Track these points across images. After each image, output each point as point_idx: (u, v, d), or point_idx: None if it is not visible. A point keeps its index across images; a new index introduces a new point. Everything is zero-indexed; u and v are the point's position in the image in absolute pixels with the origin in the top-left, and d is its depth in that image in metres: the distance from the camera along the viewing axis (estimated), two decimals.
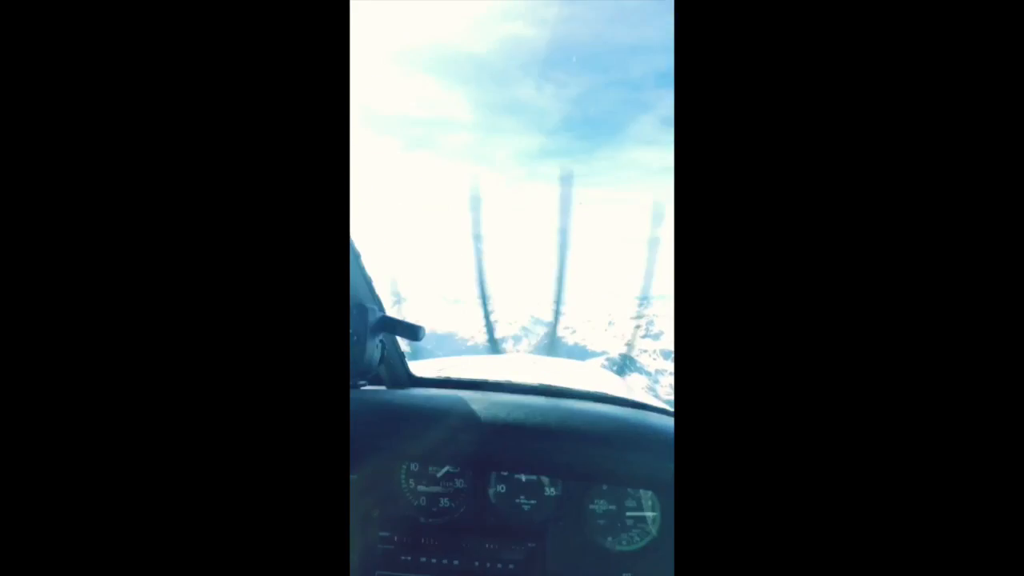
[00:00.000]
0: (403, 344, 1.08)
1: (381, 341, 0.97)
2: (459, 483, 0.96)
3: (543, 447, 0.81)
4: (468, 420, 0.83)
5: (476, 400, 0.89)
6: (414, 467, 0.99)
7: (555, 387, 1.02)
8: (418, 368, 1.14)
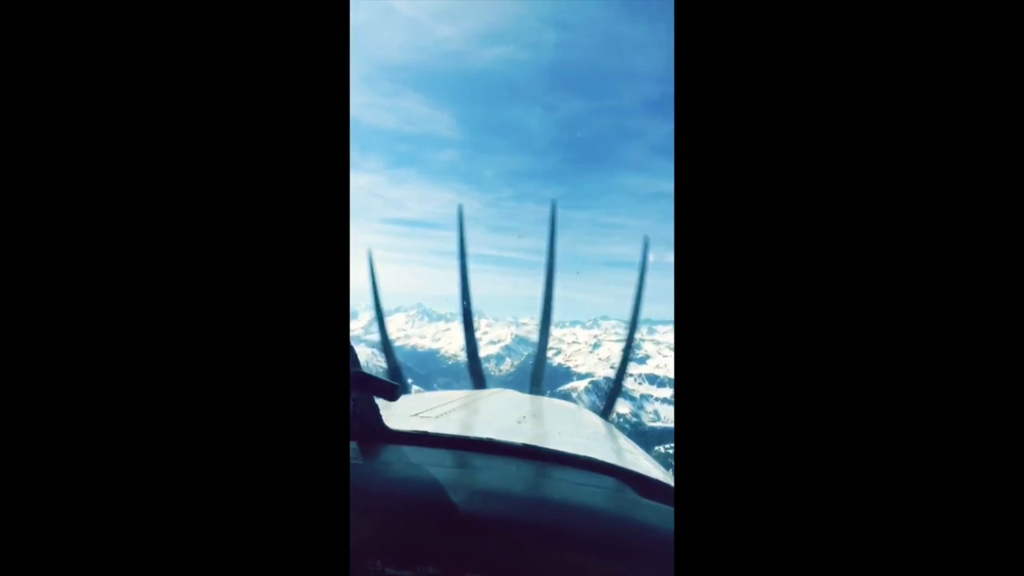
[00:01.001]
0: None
1: (354, 399, 0.93)
2: (432, 569, 0.80)
3: (531, 555, 0.73)
4: (447, 513, 0.77)
5: (456, 487, 0.82)
6: None
7: (544, 450, 0.94)
8: (396, 410, 1.08)
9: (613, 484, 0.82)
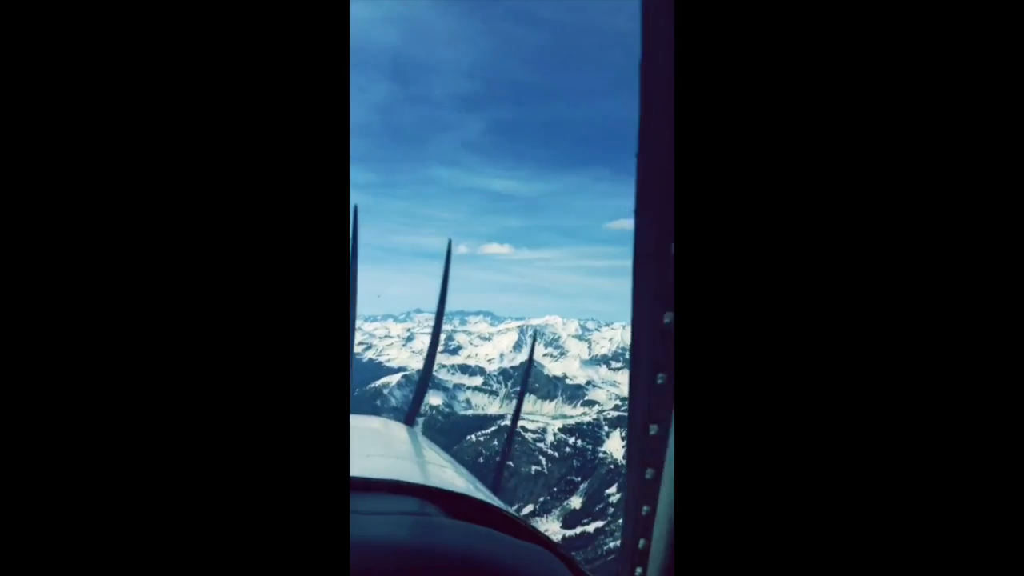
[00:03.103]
0: None
1: None
2: None
3: None
4: None
5: None
6: None
7: (409, 484, 0.86)
8: None
9: (418, 507, 0.78)
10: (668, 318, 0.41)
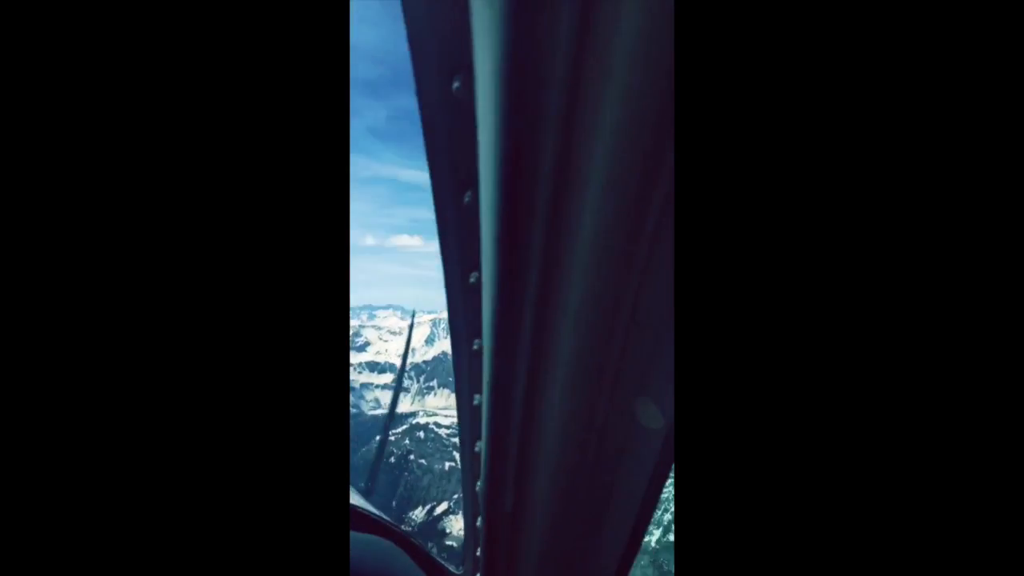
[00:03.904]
0: None
1: None
2: None
3: None
4: None
5: None
6: None
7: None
8: None
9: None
10: (473, 278, 0.39)
